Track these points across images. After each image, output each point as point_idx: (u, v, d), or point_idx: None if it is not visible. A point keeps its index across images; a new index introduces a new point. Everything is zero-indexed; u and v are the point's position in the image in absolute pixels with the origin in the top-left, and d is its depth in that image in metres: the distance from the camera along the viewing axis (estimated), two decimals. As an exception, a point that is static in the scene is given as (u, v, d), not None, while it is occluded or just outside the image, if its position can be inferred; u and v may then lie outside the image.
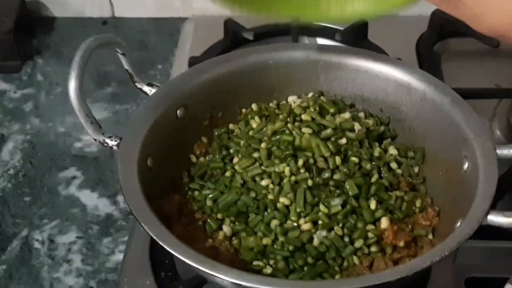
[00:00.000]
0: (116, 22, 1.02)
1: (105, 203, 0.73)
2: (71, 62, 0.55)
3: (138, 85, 0.62)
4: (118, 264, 0.66)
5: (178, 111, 0.62)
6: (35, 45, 0.97)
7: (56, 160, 0.79)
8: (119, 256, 0.67)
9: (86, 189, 0.75)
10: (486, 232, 0.53)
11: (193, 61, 0.82)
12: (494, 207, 0.59)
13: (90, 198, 0.74)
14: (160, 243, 0.49)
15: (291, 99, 0.67)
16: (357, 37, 0.88)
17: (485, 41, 0.87)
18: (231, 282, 0.46)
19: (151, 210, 0.52)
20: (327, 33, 0.89)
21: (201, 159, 0.64)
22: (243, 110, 0.67)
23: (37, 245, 0.69)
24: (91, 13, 1.02)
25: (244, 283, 0.46)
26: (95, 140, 0.57)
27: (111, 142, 0.57)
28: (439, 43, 0.91)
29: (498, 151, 0.56)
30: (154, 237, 0.49)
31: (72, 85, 0.54)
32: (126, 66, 0.62)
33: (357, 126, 0.61)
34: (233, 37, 0.88)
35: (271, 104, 0.66)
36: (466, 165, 0.57)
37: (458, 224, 0.53)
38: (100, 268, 0.67)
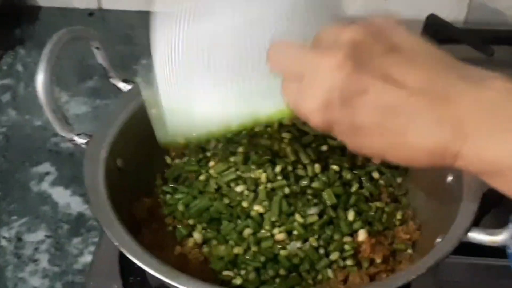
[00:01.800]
0: (102, 14, 0.99)
1: (77, 202, 0.70)
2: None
3: (113, 81, 0.60)
4: (86, 266, 0.64)
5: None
6: (18, 35, 0.95)
7: (31, 155, 0.76)
8: (88, 258, 0.65)
9: (59, 186, 0.72)
10: (468, 248, 0.51)
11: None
12: (479, 222, 0.57)
13: (62, 196, 0.71)
14: (122, 250, 0.46)
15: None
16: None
17: (480, 49, 0.85)
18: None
19: (116, 214, 0.49)
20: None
21: (177, 161, 0.61)
22: (223, 112, 0.64)
23: (3, 242, 0.67)
24: (77, 4, 0.99)
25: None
26: (63, 137, 0.54)
27: (80, 140, 0.54)
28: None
29: (484, 165, 0.53)
30: (116, 244, 0.46)
31: (40, 79, 0.52)
32: (100, 60, 0.59)
33: (340, 134, 0.59)
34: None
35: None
36: (450, 178, 0.55)
37: (438, 240, 0.50)
38: (67, 270, 0.64)
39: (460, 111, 0.37)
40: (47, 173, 0.74)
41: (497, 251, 0.51)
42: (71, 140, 0.54)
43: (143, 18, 1.01)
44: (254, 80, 0.46)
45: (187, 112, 0.48)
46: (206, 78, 0.46)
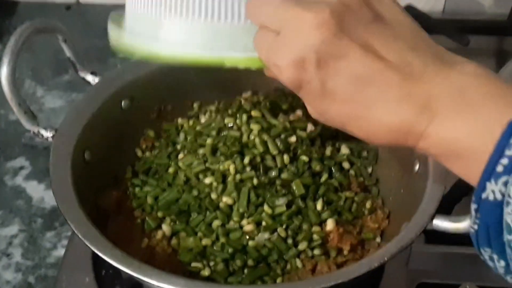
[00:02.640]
0: (80, 8, 0.99)
1: (51, 196, 0.68)
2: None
3: (81, 74, 0.60)
4: (59, 260, 0.64)
5: (122, 102, 0.59)
6: (-4, 30, 0.94)
7: (5, 149, 0.76)
8: (61, 251, 0.65)
9: (33, 180, 0.72)
10: (439, 236, 0.51)
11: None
12: (451, 211, 0.58)
13: (36, 190, 0.71)
14: (87, 243, 0.46)
15: (245, 95, 0.64)
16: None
17: (456, 39, 0.85)
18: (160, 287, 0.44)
19: (82, 207, 0.49)
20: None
21: (147, 153, 0.61)
22: (194, 104, 0.64)
23: (-23, 237, 0.67)
24: (55, -2, 0.99)
25: (172, 288, 0.43)
26: (29, 131, 0.54)
27: (46, 134, 0.54)
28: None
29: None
30: (80, 236, 0.46)
31: (4, 72, 0.51)
32: (68, 53, 0.59)
33: (309, 127, 0.59)
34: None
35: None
36: (417, 166, 0.55)
37: (403, 227, 0.50)
38: (40, 263, 0.64)
39: (430, 91, 0.37)
40: (22, 168, 0.74)
41: (465, 239, 0.51)
42: (37, 134, 0.54)
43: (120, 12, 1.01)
44: (228, 20, 0.44)
45: (151, 33, 0.46)
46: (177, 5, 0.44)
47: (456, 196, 0.63)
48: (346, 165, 0.59)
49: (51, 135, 0.54)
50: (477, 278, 0.59)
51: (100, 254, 0.46)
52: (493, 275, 0.61)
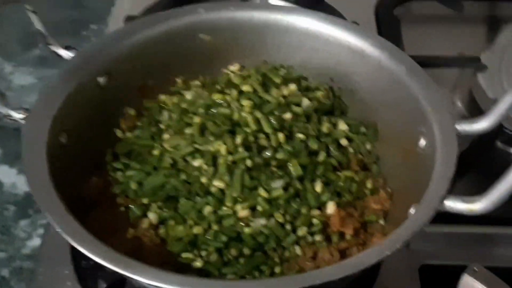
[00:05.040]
0: (49, -24, 0.92)
1: (24, 181, 0.65)
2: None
3: (53, 48, 0.54)
4: (36, 251, 0.59)
5: (100, 79, 0.55)
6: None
7: (-29, 132, 0.71)
8: (37, 241, 0.61)
9: (4, 165, 0.68)
10: (443, 216, 0.48)
11: (129, 21, 0.74)
12: (452, 188, 0.54)
13: (8, 175, 0.67)
14: (65, 236, 0.41)
15: (232, 68, 0.59)
16: (312, -2, 0.81)
17: (449, 5, 0.82)
18: (148, 284, 0.39)
19: (60, 196, 0.44)
20: (279, -8, 0.81)
21: (128, 134, 0.56)
22: (178, 80, 0.59)
23: None
24: (20, -34, 0.92)
25: (161, 285, 0.39)
26: (3, 111, 0.49)
27: (17, 115, 0.49)
28: (400, 6, 0.85)
29: (458, 127, 0.50)
30: (57, 228, 0.42)
31: (-34, 48, 0.46)
32: (37, 26, 0.54)
33: (305, 102, 0.55)
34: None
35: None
36: (422, 142, 0.51)
37: (412, 210, 0.47)
38: (14, 255, 0.60)
39: None
40: (-10, 151, 0.69)
41: (471, 218, 0.48)
42: (7, 116, 0.48)
43: (92, -20, 0.95)
44: None
45: None
46: None
47: (459, 172, 0.60)
48: (344, 142, 0.56)
49: (23, 116, 0.49)
50: (483, 259, 0.57)
51: (80, 249, 0.41)
52: (500, 255, 0.59)
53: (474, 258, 0.56)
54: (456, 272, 0.53)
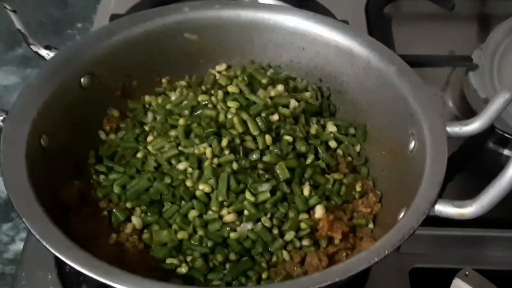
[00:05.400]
0: (32, -26, 0.90)
1: None
2: None
3: (34, 48, 0.53)
4: (18, 255, 0.58)
5: (82, 79, 0.53)
6: None
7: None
8: (19, 245, 0.59)
9: (-14, 167, 0.65)
10: (433, 218, 0.47)
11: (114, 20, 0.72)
12: (442, 190, 0.53)
13: (-12, 178, 0.64)
14: (43, 242, 0.40)
15: (219, 68, 0.58)
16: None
17: (440, 4, 0.81)
18: (129, 292, 0.38)
19: (39, 201, 0.43)
20: (268, -10, 0.80)
21: (112, 136, 0.55)
22: (163, 80, 0.58)
23: None
24: (4, -37, 0.90)
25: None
26: (-26, 114, 0.47)
27: (-4, 117, 0.47)
28: (390, 4, 0.84)
29: (449, 129, 0.49)
30: (36, 235, 0.41)
31: None
32: (18, 25, 0.52)
33: (293, 103, 0.54)
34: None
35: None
36: (412, 144, 0.50)
37: (402, 214, 0.46)
38: (-4, 260, 0.58)
39: None
40: (-28, 153, 0.67)
41: (461, 220, 0.47)
42: (-16, 118, 0.47)
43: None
44: None
45: None
46: None
47: (449, 174, 0.59)
48: (333, 144, 0.55)
49: (1, 118, 0.47)
50: (474, 261, 0.56)
51: (59, 256, 0.40)
52: (491, 257, 0.58)
53: (465, 261, 0.56)
54: (446, 275, 0.52)
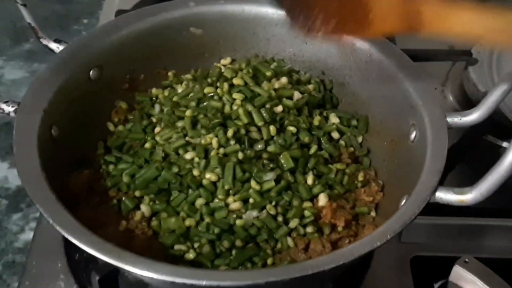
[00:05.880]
0: (38, -29, 0.91)
1: (15, 175, 0.63)
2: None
3: (44, 42, 0.54)
4: (28, 244, 0.59)
5: (91, 72, 0.54)
6: None
7: (-38, 126, 0.70)
8: (29, 235, 0.60)
9: (-5, 159, 0.67)
10: (434, 207, 0.48)
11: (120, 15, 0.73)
12: (443, 181, 0.54)
13: (-1, 169, 0.66)
14: (57, 227, 0.41)
15: (224, 61, 0.59)
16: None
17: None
18: (140, 274, 0.39)
19: (51, 188, 0.44)
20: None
21: (120, 127, 0.56)
22: (169, 73, 0.59)
23: None
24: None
25: (154, 276, 0.39)
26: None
27: (8, 108, 0.49)
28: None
29: (449, 119, 0.50)
30: (50, 220, 0.42)
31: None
32: (28, 19, 0.54)
33: (296, 95, 0.55)
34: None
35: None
36: (413, 135, 0.51)
37: (403, 202, 0.47)
38: (7, 249, 0.60)
39: None
40: (-19, 145, 0.68)
41: (462, 209, 0.48)
42: (-2, 109, 0.48)
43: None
44: None
45: None
46: None
47: (449, 164, 0.60)
48: (335, 135, 0.56)
49: (13, 109, 0.48)
50: (474, 250, 0.57)
51: (72, 240, 0.41)
52: (490, 246, 0.59)
53: (465, 250, 0.57)
54: (447, 263, 0.53)
